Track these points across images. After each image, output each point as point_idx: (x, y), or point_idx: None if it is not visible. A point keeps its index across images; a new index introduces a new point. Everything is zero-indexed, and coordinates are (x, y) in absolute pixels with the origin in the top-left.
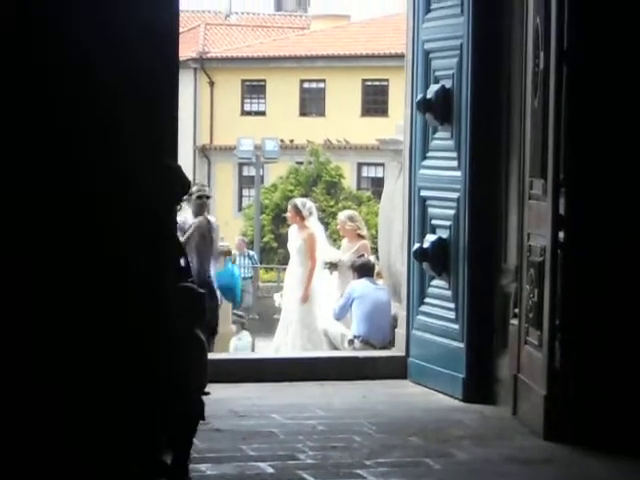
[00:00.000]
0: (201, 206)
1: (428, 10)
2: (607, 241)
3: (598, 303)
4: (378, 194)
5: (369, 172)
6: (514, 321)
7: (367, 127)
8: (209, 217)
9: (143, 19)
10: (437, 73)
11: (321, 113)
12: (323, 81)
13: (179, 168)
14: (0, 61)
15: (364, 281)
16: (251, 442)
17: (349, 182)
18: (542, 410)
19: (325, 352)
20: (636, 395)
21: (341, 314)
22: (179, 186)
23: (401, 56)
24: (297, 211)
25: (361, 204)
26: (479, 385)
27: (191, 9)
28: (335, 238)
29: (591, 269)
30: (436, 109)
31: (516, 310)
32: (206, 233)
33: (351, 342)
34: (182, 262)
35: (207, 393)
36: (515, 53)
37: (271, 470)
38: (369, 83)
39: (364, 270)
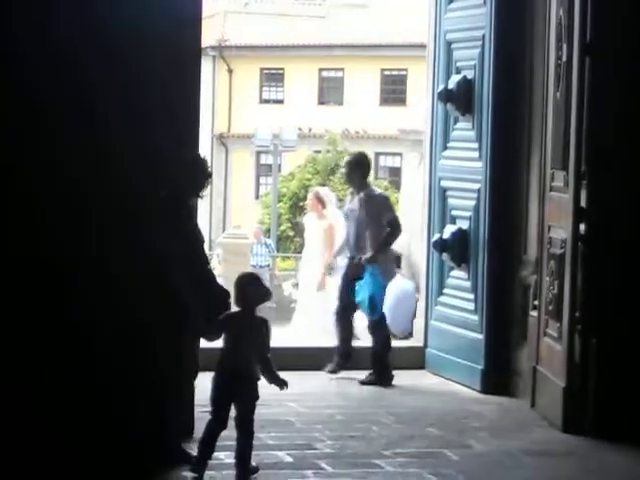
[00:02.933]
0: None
1: (450, 0)
2: (627, 233)
3: (618, 295)
4: (395, 184)
5: (387, 162)
6: (534, 313)
7: (385, 116)
8: (373, 187)
9: (166, 6)
10: (459, 64)
11: (339, 102)
12: (342, 70)
13: (198, 156)
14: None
15: None
16: (269, 431)
17: None
18: (561, 402)
19: None
20: None
21: None
22: (201, 175)
23: (420, 46)
24: (319, 199)
25: None
26: (498, 377)
27: None
28: None
29: (611, 261)
30: (457, 99)
31: (536, 302)
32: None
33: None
34: None
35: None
36: (537, 44)
37: (289, 459)
38: (388, 72)
39: None
